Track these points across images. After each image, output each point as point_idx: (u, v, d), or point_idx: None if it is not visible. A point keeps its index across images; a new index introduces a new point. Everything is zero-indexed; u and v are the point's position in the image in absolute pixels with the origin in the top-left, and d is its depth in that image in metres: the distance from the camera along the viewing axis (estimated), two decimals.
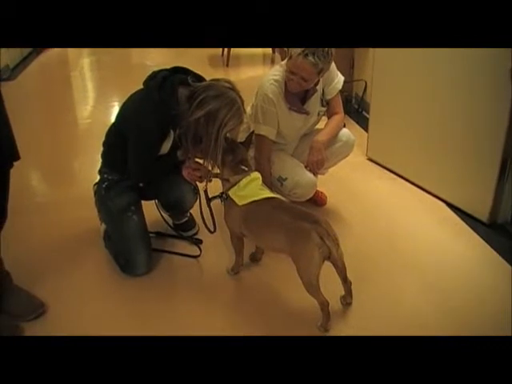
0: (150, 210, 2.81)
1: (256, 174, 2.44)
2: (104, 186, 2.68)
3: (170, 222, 2.97)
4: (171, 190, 2.72)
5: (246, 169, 2.43)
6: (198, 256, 2.74)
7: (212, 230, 2.60)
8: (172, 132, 2.47)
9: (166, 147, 2.52)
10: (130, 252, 2.58)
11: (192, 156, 2.54)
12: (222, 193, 2.45)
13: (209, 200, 2.53)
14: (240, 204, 2.36)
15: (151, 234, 2.78)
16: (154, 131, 2.42)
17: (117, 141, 2.58)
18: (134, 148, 2.50)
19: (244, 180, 2.39)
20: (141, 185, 2.70)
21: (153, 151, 2.50)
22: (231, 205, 2.41)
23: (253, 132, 2.63)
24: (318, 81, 2.80)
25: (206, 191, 2.55)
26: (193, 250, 2.78)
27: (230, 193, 2.40)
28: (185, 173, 2.54)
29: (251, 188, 2.37)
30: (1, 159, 2.05)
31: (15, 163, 2.12)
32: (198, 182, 2.62)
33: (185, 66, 2.63)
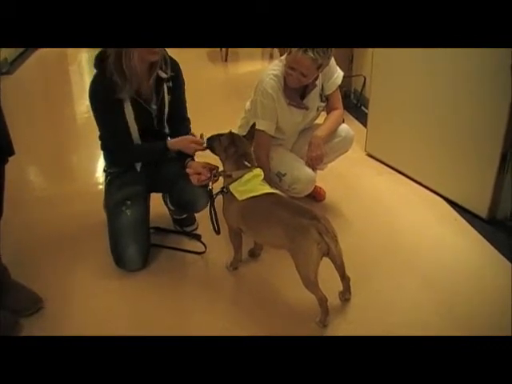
0: (152, 204, 2.82)
1: (258, 171, 2.43)
2: (107, 180, 2.79)
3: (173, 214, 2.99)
4: (184, 192, 2.70)
5: (249, 164, 2.43)
6: (203, 252, 2.73)
7: (217, 232, 2.57)
8: (128, 101, 2.55)
9: (129, 114, 2.57)
10: (118, 247, 2.59)
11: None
12: (223, 187, 2.44)
13: (212, 200, 2.53)
14: (240, 199, 2.35)
15: (150, 230, 2.77)
16: (102, 99, 2.53)
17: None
18: (99, 124, 2.64)
19: (246, 176, 2.38)
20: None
21: (114, 118, 2.57)
22: (231, 199, 2.40)
23: (254, 125, 2.61)
24: (318, 76, 2.80)
25: (210, 190, 2.55)
26: (195, 246, 2.78)
27: (231, 187, 2.39)
28: (193, 180, 2.54)
29: (252, 184, 2.37)
30: None
31: (12, 158, 2.11)
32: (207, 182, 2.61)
33: (183, 61, 2.65)
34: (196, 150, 2.61)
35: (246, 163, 2.42)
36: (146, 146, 2.69)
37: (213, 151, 2.54)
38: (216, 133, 2.54)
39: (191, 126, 2.85)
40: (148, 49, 2.40)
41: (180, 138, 2.65)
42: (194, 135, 2.68)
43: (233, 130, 2.51)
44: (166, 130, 2.78)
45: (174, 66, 2.67)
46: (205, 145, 2.58)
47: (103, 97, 2.51)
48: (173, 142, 2.62)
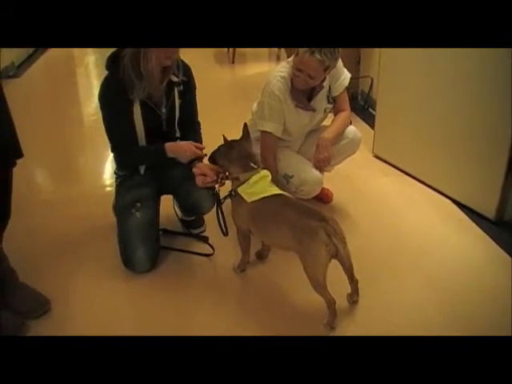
0: (160, 206, 2.81)
1: (266, 172, 2.43)
2: (117, 182, 2.80)
3: (180, 216, 3.00)
4: (190, 195, 2.72)
5: (255, 166, 2.43)
6: (211, 255, 2.73)
7: (225, 233, 2.57)
8: (138, 103, 2.55)
9: (137, 116, 2.57)
10: (128, 249, 2.58)
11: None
12: (231, 190, 2.44)
13: (219, 202, 2.53)
14: (249, 201, 2.35)
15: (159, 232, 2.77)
16: (112, 99, 2.54)
17: None
18: (106, 124, 2.62)
19: (254, 177, 2.38)
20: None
21: (122, 119, 2.57)
22: (239, 202, 2.40)
23: (246, 124, 2.60)
24: (325, 78, 2.79)
25: (217, 193, 2.56)
26: (203, 248, 2.78)
27: (239, 190, 2.39)
28: (198, 181, 2.54)
29: (260, 185, 2.37)
30: (3, 157, 2.05)
31: (19, 161, 2.11)
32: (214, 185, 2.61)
33: (190, 62, 2.67)
34: (193, 156, 2.59)
35: (252, 164, 2.42)
36: (146, 148, 2.68)
37: (217, 164, 2.53)
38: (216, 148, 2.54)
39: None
40: (165, 52, 2.41)
41: (179, 142, 2.65)
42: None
43: (225, 135, 2.51)
44: (177, 134, 2.79)
45: (186, 71, 2.68)
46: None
47: (114, 97, 2.52)
48: (170, 147, 2.60)
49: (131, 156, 2.69)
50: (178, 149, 2.61)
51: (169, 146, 2.60)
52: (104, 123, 2.62)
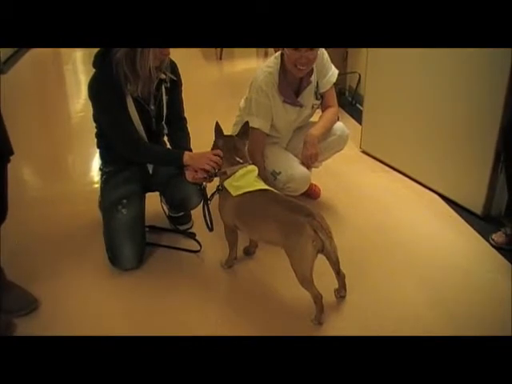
0: (147, 203, 2.81)
1: (252, 167, 2.44)
2: (103, 179, 2.79)
3: (167, 213, 2.99)
4: (177, 190, 2.72)
5: (241, 160, 2.43)
6: (198, 251, 2.74)
7: (210, 228, 2.58)
8: (131, 100, 2.54)
9: (133, 112, 2.55)
10: (114, 246, 2.59)
11: None
12: (219, 185, 2.45)
13: (206, 199, 2.54)
14: (234, 194, 2.35)
15: (145, 229, 2.77)
16: (108, 97, 2.50)
17: (99, 131, 2.72)
18: (107, 123, 2.61)
19: (240, 171, 2.39)
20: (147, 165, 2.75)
21: (122, 115, 2.54)
22: (226, 196, 2.41)
23: (247, 123, 2.60)
24: (312, 71, 2.79)
25: (204, 189, 2.57)
26: (190, 244, 2.78)
27: (226, 183, 2.40)
28: (188, 176, 2.54)
29: (246, 179, 2.38)
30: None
31: None
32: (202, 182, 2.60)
33: (178, 59, 2.67)
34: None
35: (238, 159, 2.43)
36: (161, 150, 2.71)
37: None
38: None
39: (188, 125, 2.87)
40: (161, 52, 2.42)
41: (200, 153, 2.55)
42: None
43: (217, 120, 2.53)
44: (165, 131, 2.80)
45: (173, 68, 2.68)
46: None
47: (110, 95, 2.49)
48: (188, 159, 2.52)
49: (145, 153, 2.63)
50: (197, 160, 2.51)
51: (187, 154, 2.55)
52: (104, 122, 2.61)
